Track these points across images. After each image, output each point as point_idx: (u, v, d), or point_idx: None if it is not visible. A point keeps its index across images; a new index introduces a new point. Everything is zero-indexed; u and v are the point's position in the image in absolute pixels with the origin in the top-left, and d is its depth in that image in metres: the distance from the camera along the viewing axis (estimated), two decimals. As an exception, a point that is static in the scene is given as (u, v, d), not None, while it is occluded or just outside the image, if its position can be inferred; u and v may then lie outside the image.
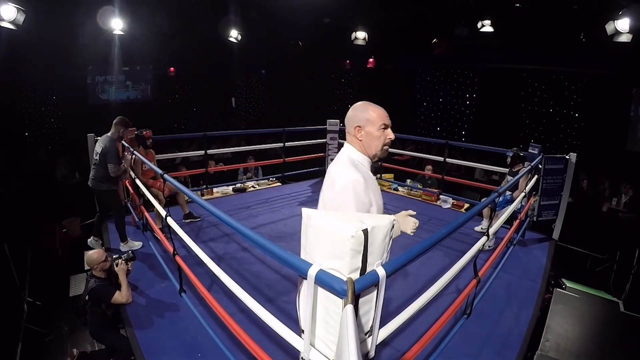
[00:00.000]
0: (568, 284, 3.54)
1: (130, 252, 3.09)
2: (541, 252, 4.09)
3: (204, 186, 5.63)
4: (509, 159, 4.33)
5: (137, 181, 3.81)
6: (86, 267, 3.90)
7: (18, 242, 4.92)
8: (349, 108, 1.74)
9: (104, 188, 3.71)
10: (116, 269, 2.93)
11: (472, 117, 10.67)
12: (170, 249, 2.77)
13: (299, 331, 1.51)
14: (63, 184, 7.48)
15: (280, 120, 8.78)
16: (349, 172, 1.56)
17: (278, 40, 9.85)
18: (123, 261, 2.97)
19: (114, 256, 3.01)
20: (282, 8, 7.01)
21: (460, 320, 2.64)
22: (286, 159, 6.18)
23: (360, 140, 1.62)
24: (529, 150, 4.33)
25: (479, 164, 6.38)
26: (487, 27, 7.06)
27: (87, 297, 2.85)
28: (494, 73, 9.76)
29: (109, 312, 2.91)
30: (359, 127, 1.61)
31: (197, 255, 2.32)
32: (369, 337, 1.40)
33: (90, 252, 2.98)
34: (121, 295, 2.84)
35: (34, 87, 9.56)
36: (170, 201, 5.04)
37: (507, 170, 4.43)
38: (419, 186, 6.16)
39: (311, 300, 1.29)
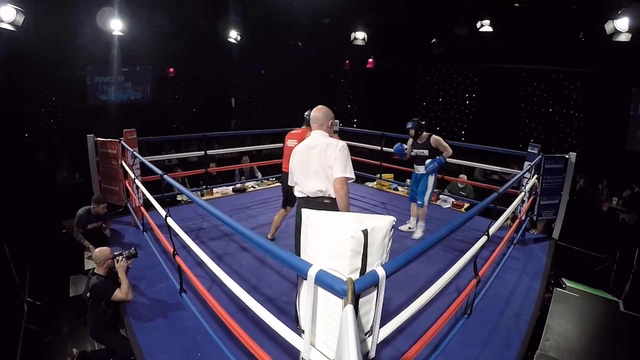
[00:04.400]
0: (568, 283, 3.54)
1: (133, 249, 3.10)
2: (541, 251, 4.09)
3: (204, 187, 5.63)
4: (412, 132, 4.18)
5: (137, 181, 3.81)
6: (86, 267, 3.93)
7: (18, 242, 4.92)
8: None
9: None
10: (116, 265, 2.94)
11: (471, 116, 10.68)
12: (171, 249, 2.78)
13: (299, 331, 1.51)
14: (63, 184, 7.48)
15: (279, 120, 8.78)
16: (341, 141, 2.50)
17: (278, 40, 9.84)
18: (124, 258, 2.99)
19: (115, 253, 3.02)
20: (281, 8, 7.01)
21: (460, 320, 2.64)
22: (286, 159, 6.18)
23: (327, 128, 2.60)
24: (529, 150, 4.33)
25: (479, 164, 6.36)
26: (486, 26, 7.06)
27: (88, 294, 2.87)
28: (494, 73, 9.76)
29: (109, 310, 2.92)
30: (331, 121, 2.64)
31: (197, 255, 2.32)
32: (369, 337, 1.41)
33: (99, 248, 3.02)
34: (121, 292, 2.85)
35: (34, 88, 9.57)
36: (171, 202, 5.05)
37: (412, 142, 4.30)
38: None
39: (311, 301, 1.29)
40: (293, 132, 4.08)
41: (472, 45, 8.60)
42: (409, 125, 4.21)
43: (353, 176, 2.46)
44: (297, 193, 2.61)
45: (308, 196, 2.54)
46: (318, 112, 2.63)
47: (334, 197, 2.45)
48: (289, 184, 2.67)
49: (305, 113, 3.92)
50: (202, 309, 2.67)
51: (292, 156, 2.59)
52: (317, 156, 2.46)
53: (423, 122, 4.22)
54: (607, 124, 8.06)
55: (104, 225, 4.25)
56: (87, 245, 3.98)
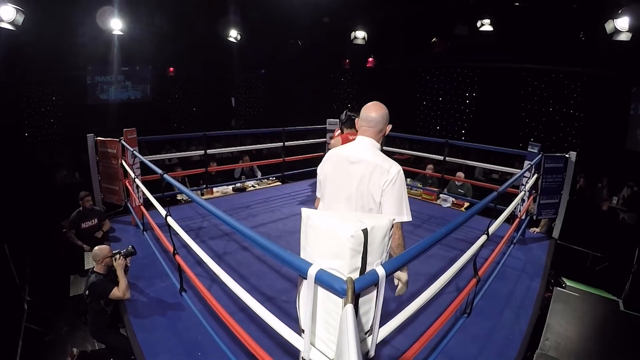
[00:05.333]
0: (568, 282, 3.54)
1: (130, 247, 3.10)
2: (541, 250, 4.09)
3: (204, 186, 5.63)
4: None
5: (137, 181, 3.81)
6: (86, 267, 3.93)
7: (18, 242, 4.92)
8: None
9: None
10: (114, 263, 2.95)
11: (471, 116, 10.68)
12: (171, 249, 2.77)
13: (299, 331, 1.51)
14: (63, 183, 7.47)
15: (279, 120, 8.79)
16: (395, 163, 1.76)
17: (278, 40, 9.85)
18: (122, 256, 2.99)
19: (114, 252, 3.02)
20: (281, 8, 7.00)
21: (460, 319, 2.63)
22: (286, 158, 6.18)
23: (382, 137, 1.86)
24: (529, 149, 4.32)
25: (479, 163, 6.36)
26: (486, 26, 7.06)
27: (87, 293, 2.88)
28: (494, 72, 9.77)
29: (108, 308, 2.92)
30: (390, 127, 1.85)
31: (197, 254, 2.32)
32: (369, 336, 1.41)
33: (98, 246, 3.03)
34: (119, 290, 2.85)
35: (34, 88, 9.57)
36: (171, 201, 5.04)
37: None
38: (418, 185, 6.15)
39: (311, 300, 1.29)
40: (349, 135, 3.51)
41: (472, 44, 8.60)
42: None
43: (410, 217, 1.79)
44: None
45: None
46: (373, 112, 1.83)
47: None
48: (317, 194, 2.03)
49: (344, 115, 3.53)
50: (202, 308, 2.67)
51: (325, 163, 1.92)
52: (358, 177, 1.76)
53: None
54: (607, 123, 8.07)
55: (97, 221, 4.26)
56: (79, 244, 4.02)
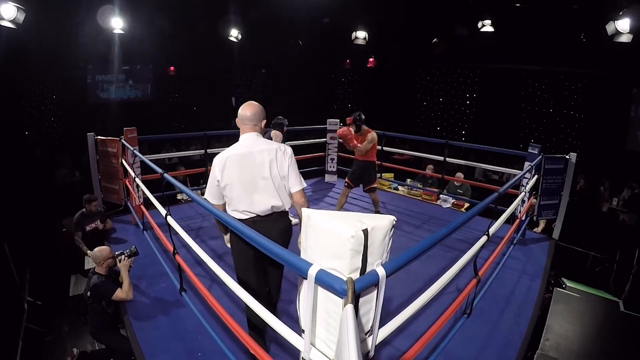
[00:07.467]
0: (568, 283, 3.54)
1: (133, 247, 3.10)
2: (541, 251, 4.09)
3: (204, 185, 5.61)
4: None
5: (137, 180, 3.81)
6: (87, 267, 3.93)
7: (18, 242, 4.92)
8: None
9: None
10: (119, 264, 2.94)
11: (472, 117, 10.68)
12: (171, 248, 2.77)
13: (299, 331, 1.51)
14: (63, 182, 7.47)
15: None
16: (282, 144, 2.20)
17: (278, 40, 9.85)
18: (126, 257, 2.99)
19: (116, 252, 3.02)
20: (282, 7, 7.01)
21: (460, 319, 2.64)
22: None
23: (260, 129, 2.21)
24: (529, 150, 4.32)
25: (479, 164, 6.36)
26: (487, 27, 7.06)
27: (88, 294, 2.86)
28: (494, 73, 9.77)
29: (110, 309, 2.91)
30: (264, 120, 2.23)
31: (197, 254, 2.32)
32: (369, 336, 1.41)
33: (98, 247, 3.02)
34: (122, 291, 2.85)
35: (34, 86, 9.55)
36: (171, 201, 5.04)
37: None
38: (419, 185, 6.15)
39: (311, 300, 1.29)
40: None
41: (472, 45, 8.60)
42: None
43: (305, 184, 2.22)
44: (235, 213, 2.12)
45: (257, 215, 2.10)
46: (248, 111, 2.19)
47: (286, 210, 2.19)
48: (216, 202, 2.22)
49: (358, 114, 4.35)
50: (203, 308, 2.67)
51: (225, 168, 2.10)
52: (268, 163, 2.06)
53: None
54: (607, 125, 8.07)
55: (100, 222, 4.25)
56: (84, 250, 3.99)
